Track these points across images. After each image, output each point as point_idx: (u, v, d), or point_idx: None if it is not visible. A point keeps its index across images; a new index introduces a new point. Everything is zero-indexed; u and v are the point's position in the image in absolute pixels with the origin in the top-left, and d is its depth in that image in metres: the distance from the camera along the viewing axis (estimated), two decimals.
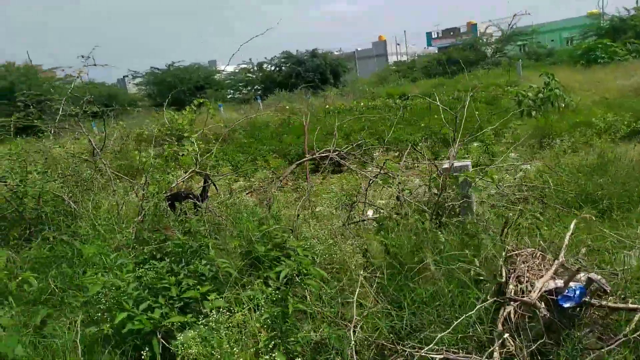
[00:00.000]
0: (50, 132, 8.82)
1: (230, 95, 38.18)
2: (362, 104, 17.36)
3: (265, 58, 38.43)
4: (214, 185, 5.31)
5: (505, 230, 2.65)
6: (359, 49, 52.15)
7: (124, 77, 46.27)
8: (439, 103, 5.05)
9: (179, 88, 34.62)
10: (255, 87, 38.08)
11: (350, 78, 37.54)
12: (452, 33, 50.05)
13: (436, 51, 46.52)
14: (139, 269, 3.03)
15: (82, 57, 5.96)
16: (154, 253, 3.31)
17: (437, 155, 10.48)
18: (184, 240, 3.16)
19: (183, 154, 12.32)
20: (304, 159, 5.65)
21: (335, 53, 38.70)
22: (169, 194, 4.49)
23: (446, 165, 3.80)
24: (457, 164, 3.79)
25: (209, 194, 4.82)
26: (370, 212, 6.72)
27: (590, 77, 13.32)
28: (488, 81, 23.65)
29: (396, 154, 10.70)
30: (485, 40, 33.75)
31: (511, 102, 15.90)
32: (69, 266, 3.62)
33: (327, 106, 16.57)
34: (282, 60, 36.51)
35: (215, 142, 13.64)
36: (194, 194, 4.61)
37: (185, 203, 4.40)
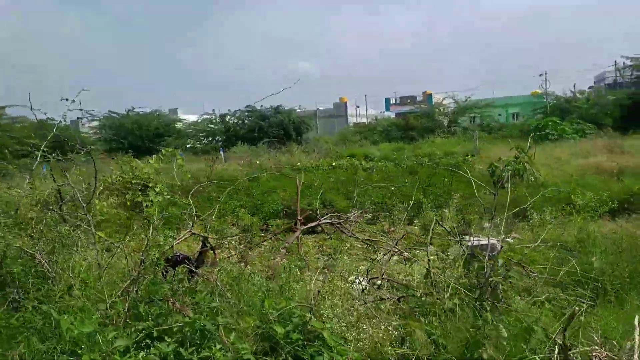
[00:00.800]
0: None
1: (190, 145, 37.61)
2: (333, 162, 17.50)
3: (229, 110, 38.66)
4: (212, 249, 4.89)
5: (566, 325, 2.49)
6: (320, 108, 53.61)
7: (77, 118, 44.73)
8: (469, 175, 4.77)
9: (138, 134, 33.80)
10: (216, 138, 37.85)
11: (312, 136, 38.21)
12: (409, 100, 52.85)
13: (393, 116, 48.66)
14: (135, 352, 2.59)
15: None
16: (152, 331, 2.87)
17: (410, 221, 10.50)
18: (195, 319, 2.74)
19: (147, 205, 11.71)
20: (312, 224, 5.37)
21: (298, 110, 39.50)
22: (166, 258, 4.05)
23: (476, 243, 3.71)
24: (484, 241, 3.72)
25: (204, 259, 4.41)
26: (362, 281, 6.46)
27: (549, 153, 14.14)
28: (446, 149, 24.74)
29: (370, 218, 10.62)
30: (441, 110, 35.68)
31: (475, 171, 16.63)
32: (41, 340, 3.09)
33: (298, 163, 16.53)
34: (246, 113, 36.77)
35: (181, 194, 13.16)
36: (189, 259, 4.20)
37: (178, 268, 3.99)
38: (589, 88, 47.78)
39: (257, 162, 15.18)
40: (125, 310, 2.97)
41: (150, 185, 11.67)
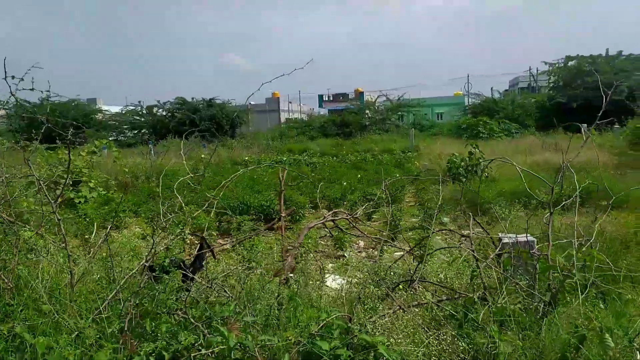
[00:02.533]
0: None
1: (112, 138, 34.88)
2: (283, 157, 16.93)
3: (158, 102, 36.40)
4: (212, 252, 4.18)
5: None
6: (252, 102, 52.42)
7: None
8: (518, 166, 4.33)
9: (53, 125, 30.62)
10: (142, 131, 35.48)
11: (245, 130, 37.16)
12: (341, 98, 53.31)
13: (326, 113, 48.86)
14: None
15: None
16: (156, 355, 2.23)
17: (369, 217, 10.26)
18: (238, 338, 2.12)
19: (80, 202, 10.41)
20: (319, 221, 4.79)
21: (230, 104, 38.16)
22: (150, 262, 3.29)
23: (506, 240, 3.42)
24: (521, 238, 3.45)
25: (203, 263, 3.71)
26: (333, 280, 6.03)
27: (490, 150, 14.65)
28: (384, 146, 25.09)
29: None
30: (375, 107, 36.33)
31: (415, 166, 16.90)
32: None
33: (246, 157, 15.73)
34: (176, 105, 34.82)
35: (117, 190, 11.89)
36: (185, 263, 3.49)
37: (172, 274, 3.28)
38: (504, 91, 51.41)
39: (202, 155, 14.20)
40: (127, 328, 2.30)
41: (82, 179, 10.40)
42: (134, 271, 2.80)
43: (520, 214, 7.92)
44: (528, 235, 3.72)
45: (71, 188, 10.03)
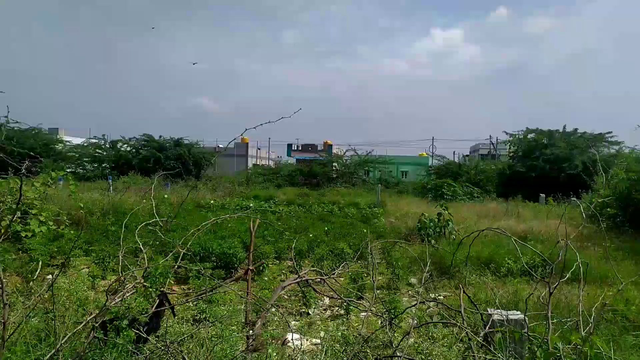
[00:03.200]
0: None
1: (70, 169, 33.50)
2: (250, 203, 16.54)
3: (122, 137, 35.59)
4: (172, 309, 3.74)
5: None
6: (220, 145, 52.21)
7: None
8: (513, 237, 4.21)
9: (7, 154, 29.21)
10: (103, 165, 34.33)
11: (212, 173, 36.62)
12: (310, 148, 53.95)
13: (294, 162, 49.13)
14: None
15: None
16: None
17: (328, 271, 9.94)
18: None
19: (27, 235, 9.63)
20: (293, 280, 4.45)
21: (199, 146, 37.73)
22: (102, 318, 2.86)
23: (497, 317, 3.21)
24: (512, 316, 3.25)
25: (160, 320, 3.29)
26: (296, 340, 5.63)
27: (454, 212, 14.86)
28: (350, 199, 25.10)
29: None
30: (343, 161, 36.81)
31: (381, 223, 16.85)
32: None
33: (212, 201, 15.24)
34: (142, 142, 34.11)
35: (69, 226, 11.13)
36: (138, 321, 3.06)
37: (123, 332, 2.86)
38: (465, 156, 53.61)
39: (165, 196, 13.66)
40: None
41: (33, 212, 9.70)
42: (79, 327, 2.42)
43: (485, 280, 7.85)
44: (515, 313, 3.56)
45: (19, 220, 9.32)
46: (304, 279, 4.51)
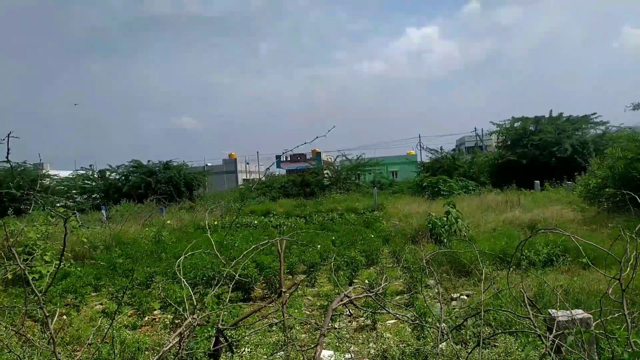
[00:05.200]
0: None
1: (60, 204, 32.96)
2: (255, 221, 16.39)
3: (110, 166, 35.16)
4: (230, 346, 3.56)
5: None
6: (209, 164, 51.93)
7: None
8: (573, 236, 4.10)
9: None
10: (94, 196, 33.84)
11: (202, 192, 36.32)
12: (299, 158, 53.83)
13: (284, 173, 48.98)
14: None
15: None
16: None
17: (350, 281, 9.84)
18: None
19: (35, 277, 9.39)
20: (338, 302, 4.27)
21: (188, 166, 37.44)
22: None
23: (564, 318, 3.11)
24: (577, 315, 3.17)
25: None
26: (330, 357, 5.51)
27: (459, 207, 14.87)
28: (348, 205, 25.03)
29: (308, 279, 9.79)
30: (334, 167, 36.80)
31: (384, 226, 16.79)
32: None
33: (216, 222, 15.04)
34: (131, 169, 33.72)
35: (74, 262, 10.87)
36: None
37: None
38: (452, 150, 54.08)
39: (168, 221, 13.45)
40: None
41: (36, 252, 9.46)
42: None
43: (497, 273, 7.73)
44: (581, 312, 3.47)
45: (25, 264, 9.07)
46: (351, 298, 4.40)
